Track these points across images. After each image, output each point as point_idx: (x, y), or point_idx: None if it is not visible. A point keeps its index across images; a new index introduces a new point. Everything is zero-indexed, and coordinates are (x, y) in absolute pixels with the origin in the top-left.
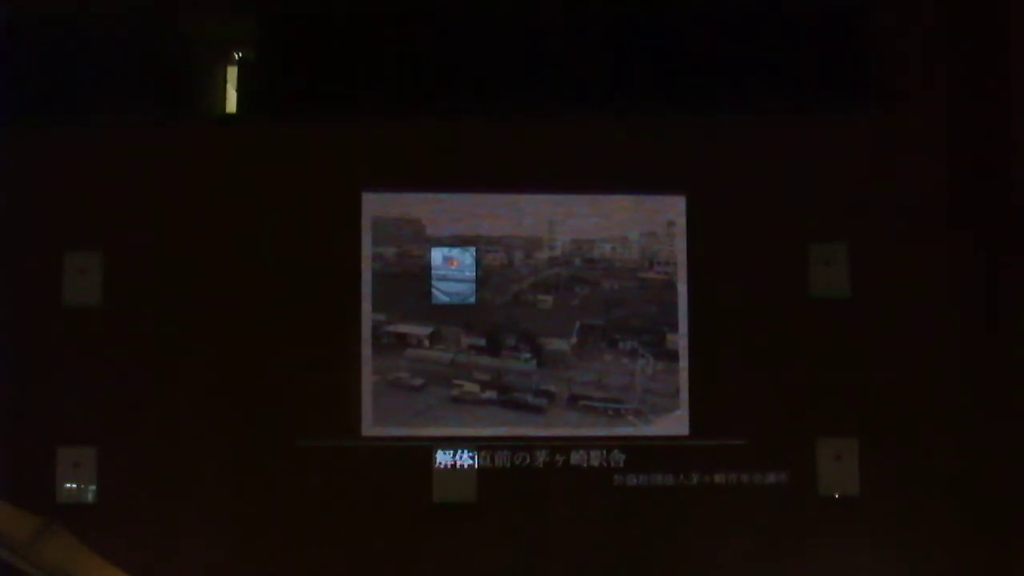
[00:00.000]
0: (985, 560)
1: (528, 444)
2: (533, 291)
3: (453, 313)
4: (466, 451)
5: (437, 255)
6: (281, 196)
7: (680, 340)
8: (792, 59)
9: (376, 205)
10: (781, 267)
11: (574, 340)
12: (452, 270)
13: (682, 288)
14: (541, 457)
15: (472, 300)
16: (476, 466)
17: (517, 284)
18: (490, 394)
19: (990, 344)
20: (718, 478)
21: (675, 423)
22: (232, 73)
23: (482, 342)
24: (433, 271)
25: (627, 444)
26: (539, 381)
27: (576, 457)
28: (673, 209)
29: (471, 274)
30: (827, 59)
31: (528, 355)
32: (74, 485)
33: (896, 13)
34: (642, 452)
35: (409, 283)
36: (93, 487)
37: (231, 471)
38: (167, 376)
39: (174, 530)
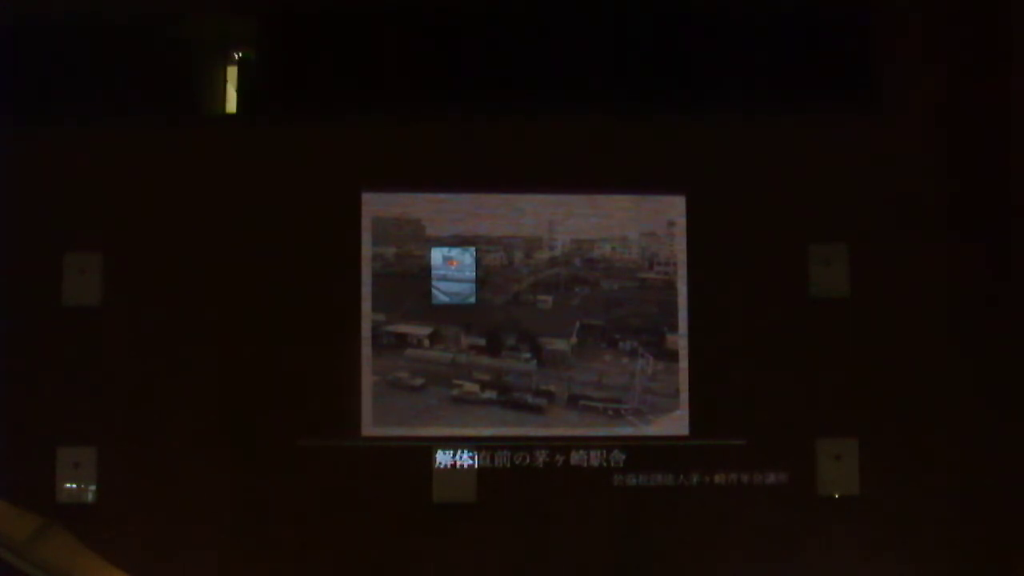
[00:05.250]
0: (985, 560)
1: (528, 444)
2: (533, 291)
3: (453, 313)
4: (466, 451)
5: (437, 255)
6: (281, 196)
7: (680, 340)
8: (792, 59)
9: (376, 205)
10: (781, 267)
11: (574, 340)
12: (452, 270)
13: (682, 288)
14: (541, 457)
15: (472, 300)
16: (476, 466)
17: (517, 284)
18: (490, 394)
19: (990, 344)
20: (718, 478)
21: (675, 423)
22: (232, 73)
23: (482, 342)
24: (433, 271)
25: (627, 444)
26: (539, 381)
27: (576, 457)
28: (673, 209)
29: (471, 274)
30: (827, 59)
31: (528, 355)
32: (74, 485)
33: (895, 13)
34: (642, 452)
35: (409, 283)
36: (93, 487)
37: (231, 471)
38: (167, 376)
39: (174, 530)
